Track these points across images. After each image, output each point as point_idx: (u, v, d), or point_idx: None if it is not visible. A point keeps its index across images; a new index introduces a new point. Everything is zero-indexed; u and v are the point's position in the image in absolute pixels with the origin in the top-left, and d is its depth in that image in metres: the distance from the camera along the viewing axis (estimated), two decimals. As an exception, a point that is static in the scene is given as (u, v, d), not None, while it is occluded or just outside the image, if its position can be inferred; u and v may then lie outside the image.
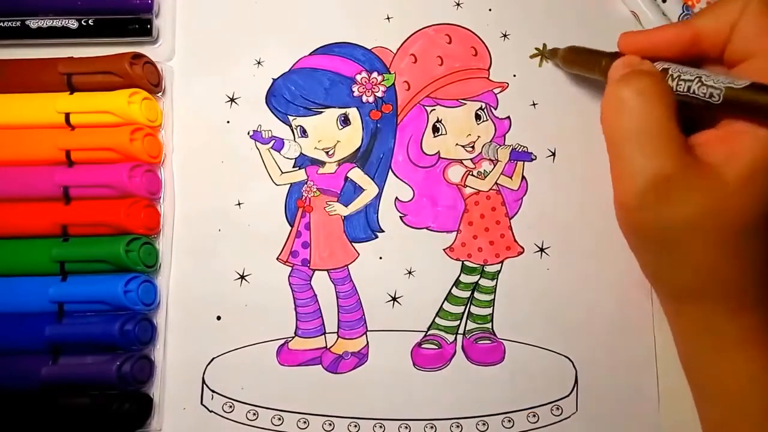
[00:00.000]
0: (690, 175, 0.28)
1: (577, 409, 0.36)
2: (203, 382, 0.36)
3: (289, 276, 0.37)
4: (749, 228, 0.28)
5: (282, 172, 0.38)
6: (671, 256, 0.30)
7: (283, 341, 0.37)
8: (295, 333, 0.37)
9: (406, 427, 0.36)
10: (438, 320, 0.37)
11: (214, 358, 0.36)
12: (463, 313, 0.37)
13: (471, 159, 0.38)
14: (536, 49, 0.39)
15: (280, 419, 0.36)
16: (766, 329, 0.30)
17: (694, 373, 0.33)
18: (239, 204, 0.38)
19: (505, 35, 0.39)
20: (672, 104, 0.29)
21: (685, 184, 0.28)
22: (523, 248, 0.37)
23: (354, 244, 0.38)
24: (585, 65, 0.36)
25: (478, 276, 0.37)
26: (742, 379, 0.30)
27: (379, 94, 0.39)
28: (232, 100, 0.39)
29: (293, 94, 0.39)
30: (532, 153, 0.38)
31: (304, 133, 0.38)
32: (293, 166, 0.38)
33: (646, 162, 0.29)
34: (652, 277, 0.33)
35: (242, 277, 0.37)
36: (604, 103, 0.31)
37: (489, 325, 0.37)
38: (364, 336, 0.37)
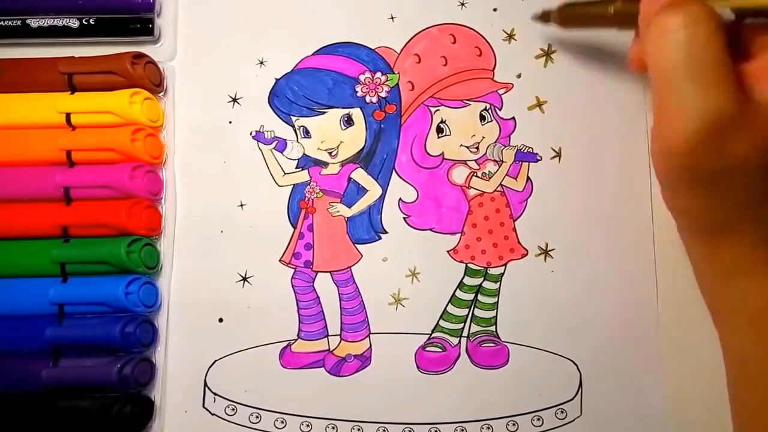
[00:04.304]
0: (745, 113, 0.27)
1: (581, 413, 0.36)
2: (205, 384, 0.36)
3: (292, 278, 0.37)
4: None
5: (285, 173, 0.38)
6: (709, 195, 0.29)
7: (285, 344, 0.36)
8: (297, 335, 0.36)
9: (410, 431, 0.35)
10: (442, 323, 0.37)
11: (216, 361, 0.36)
12: (467, 315, 0.37)
13: (475, 160, 0.38)
14: (541, 49, 0.39)
15: (282, 422, 0.35)
16: None
17: (721, 303, 0.32)
18: (241, 205, 0.37)
19: (509, 35, 0.39)
20: (725, 34, 0.27)
21: (741, 123, 0.27)
22: (527, 250, 0.37)
23: (357, 245, 0.37)
24: (590, 18, 0.33)
25: (482, 278, 0.37)
26: None
27: (383, 95, 0.38)
28: (234, 100, 0.38)
29: (296, 94, 0.38)
30: (537, 154, 0.38)
31: (307, 133, 0.38)
32: (296, 167, 0.38)
33: (703, 100, 0.27)
34: (684, 215, 0.32)
35: (244, 278, 0.37)
36: (649, 37, 0.28)
37: (493, 328, 0.37)
38: (367, 339, 0.36)
